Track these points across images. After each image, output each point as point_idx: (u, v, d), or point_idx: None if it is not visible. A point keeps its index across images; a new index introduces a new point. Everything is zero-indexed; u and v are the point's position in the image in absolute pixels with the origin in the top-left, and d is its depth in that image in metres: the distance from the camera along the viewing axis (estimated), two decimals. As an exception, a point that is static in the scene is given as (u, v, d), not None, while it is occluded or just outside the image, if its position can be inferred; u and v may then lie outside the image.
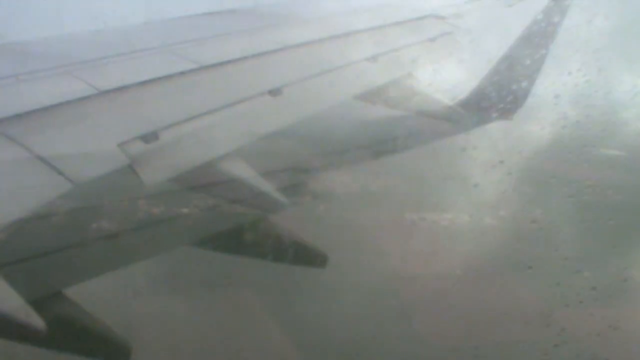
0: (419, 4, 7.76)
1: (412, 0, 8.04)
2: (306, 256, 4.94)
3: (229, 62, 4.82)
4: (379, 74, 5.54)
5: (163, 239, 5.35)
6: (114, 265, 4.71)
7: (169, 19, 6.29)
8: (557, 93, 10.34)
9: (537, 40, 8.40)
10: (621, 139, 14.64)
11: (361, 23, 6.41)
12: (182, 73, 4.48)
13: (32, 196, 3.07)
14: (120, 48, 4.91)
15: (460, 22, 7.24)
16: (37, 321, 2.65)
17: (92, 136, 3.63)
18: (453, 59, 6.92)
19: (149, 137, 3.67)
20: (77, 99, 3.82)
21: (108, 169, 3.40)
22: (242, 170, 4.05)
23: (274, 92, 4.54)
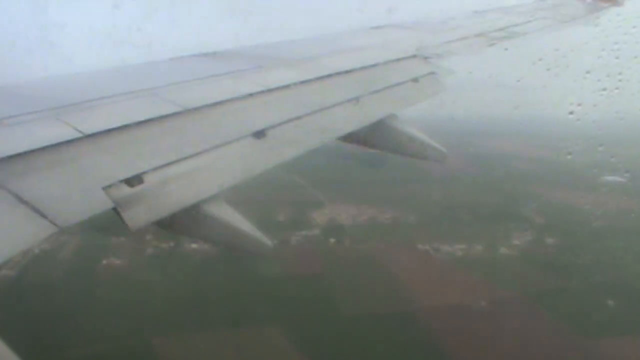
0: (403, 44, 7.87)
1: (396, 42, 8.15)
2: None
3: (212, 104, 4.86)
4: (362, 115, 5.59)
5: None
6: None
7: (153, 61, 6.35)
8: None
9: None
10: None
11: (344, 64, 6.48)
12: (167, 116, 4.52)
13: (16, 239, 3.08)
14: (105, 91, 4.95)
15: (443, 62, 7.34)
16: None
17: (76, 180, 3.64)
18: (436, 99, 6.99)
19: (133, 181, 3.69)
20: (62, 142, 3.85)
21: (93, 213, 3.41)
22: (226, 213, 4.07)
23: (258, 135, 4.58)
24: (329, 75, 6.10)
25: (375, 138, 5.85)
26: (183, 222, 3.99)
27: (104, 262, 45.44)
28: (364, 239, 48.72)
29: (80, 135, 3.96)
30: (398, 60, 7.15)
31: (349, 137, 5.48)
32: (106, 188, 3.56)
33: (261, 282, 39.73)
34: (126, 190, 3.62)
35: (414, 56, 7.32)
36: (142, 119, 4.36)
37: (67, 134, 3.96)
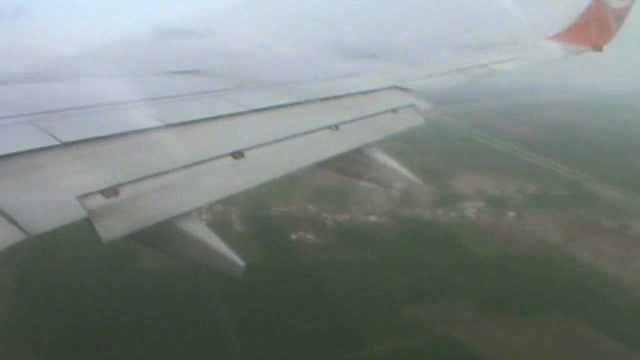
0: (384, 75, 7.95)
1: (377, 72, 8.24)
2: None
3: (193, 122, 4.86)
4: (340, 142, 5.61)
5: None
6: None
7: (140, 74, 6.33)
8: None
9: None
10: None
11: (326, 91, 6.52)
12: (147, 130, 4.50)
13: None
14: (86, 100, 4.92)
15: (423, 94, 7.42)
16: None
17: (51, 187, 3.59)
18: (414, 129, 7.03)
19: (108, 192, 3.65)
20: (38, 148, 3.81)
21: (65, 222, 3.36)
22: (200, 230, 4.04)
23: (237, 155, 4.57)
24: (310, 101, 6.13)
25: (352, 166, 5.87)
26: (156, 237, 3.95)
27: (293, 236, 44.88)
28: (539, 213, 48.14)
29: (57, 143, 3.92)
30: (378, 90, 7.22)
31: (327, 164, 5.49)
32: (80, 197, 3.51)
33: (488, 263, 40.31)
34: (101, 200, 3.58)
35: (394, 87, 7.39)
36: (122, 130, 4.34)
37: (44, 140, 3.92)
